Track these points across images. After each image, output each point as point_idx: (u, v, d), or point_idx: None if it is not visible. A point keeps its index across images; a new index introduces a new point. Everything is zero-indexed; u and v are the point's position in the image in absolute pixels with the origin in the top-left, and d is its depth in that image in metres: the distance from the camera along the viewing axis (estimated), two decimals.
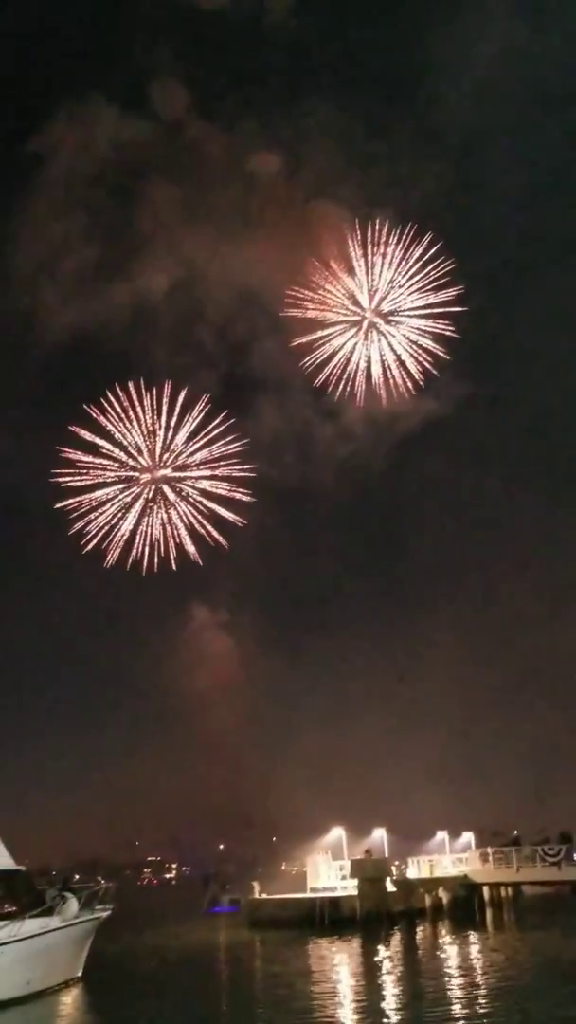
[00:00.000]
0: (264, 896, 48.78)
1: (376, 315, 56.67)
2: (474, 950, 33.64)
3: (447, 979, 26.23)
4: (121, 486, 58.98)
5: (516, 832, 53.98)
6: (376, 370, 59.02)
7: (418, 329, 57.52)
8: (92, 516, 59.83)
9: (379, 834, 50.06)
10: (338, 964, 31.49)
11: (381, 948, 35.32)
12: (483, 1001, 21.81)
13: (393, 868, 47.83)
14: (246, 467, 60.99)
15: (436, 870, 51.40)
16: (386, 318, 57.30)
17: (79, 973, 28.31)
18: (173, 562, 60.58)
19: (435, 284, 57.34)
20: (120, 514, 59.69)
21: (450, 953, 33.41)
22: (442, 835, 56.88)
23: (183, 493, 60.14)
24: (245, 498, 60.86)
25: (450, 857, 54.17)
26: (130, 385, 58.20)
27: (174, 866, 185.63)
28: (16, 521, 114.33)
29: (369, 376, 59.15)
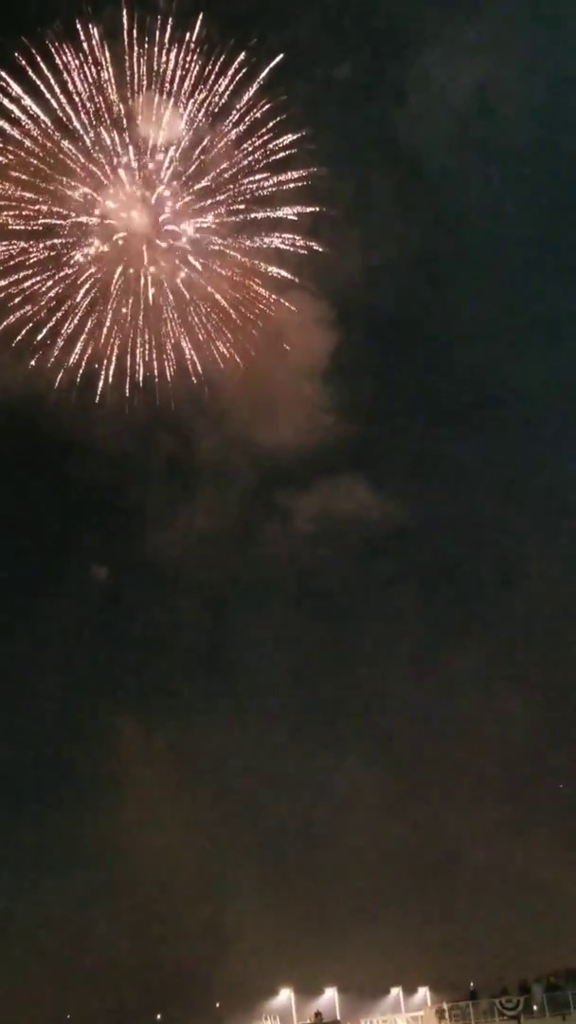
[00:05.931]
0: None
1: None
2: None
3: None
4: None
5: (472, 984, 51.63)
6: None
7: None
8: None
9: (330, 994, 47.49)
10: None
11: None
12: None
13: None
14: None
15: None
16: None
17: None
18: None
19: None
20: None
21: None
22: (396, 992, 54.10)
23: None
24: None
25: (405, 1016, 51.48)
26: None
27: None
28: None
29: None
